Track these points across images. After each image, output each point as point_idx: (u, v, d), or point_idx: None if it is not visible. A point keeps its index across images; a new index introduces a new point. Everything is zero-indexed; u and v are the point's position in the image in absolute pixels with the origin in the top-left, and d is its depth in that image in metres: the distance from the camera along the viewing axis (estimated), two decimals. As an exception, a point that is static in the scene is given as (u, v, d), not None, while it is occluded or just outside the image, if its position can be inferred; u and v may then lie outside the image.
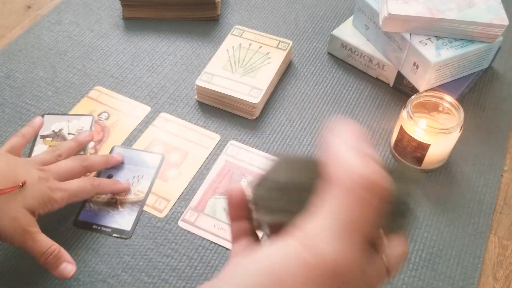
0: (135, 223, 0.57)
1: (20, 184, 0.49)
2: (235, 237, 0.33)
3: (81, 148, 0.60)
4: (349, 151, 0.25)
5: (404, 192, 0.25)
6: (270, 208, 0.30)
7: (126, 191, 0.59)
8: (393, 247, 0.28)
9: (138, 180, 0.60)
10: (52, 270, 0.48)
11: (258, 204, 0.31)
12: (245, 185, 0.33)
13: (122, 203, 0.58)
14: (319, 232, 0.24)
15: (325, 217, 0.24)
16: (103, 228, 0.56)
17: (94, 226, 0.56)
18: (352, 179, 0.24)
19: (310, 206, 0.25)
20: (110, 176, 0.61)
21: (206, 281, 0.30)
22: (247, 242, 0.32)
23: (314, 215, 0.24)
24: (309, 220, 0.24)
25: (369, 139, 0.25)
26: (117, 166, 0.62)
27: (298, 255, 0.24)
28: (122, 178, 0.61)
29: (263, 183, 0.31)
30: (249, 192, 0.32)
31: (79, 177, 0.55)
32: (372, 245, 0.27)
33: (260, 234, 0.33)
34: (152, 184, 0.60)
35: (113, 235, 0.56)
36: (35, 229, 0.49)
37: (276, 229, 0.32)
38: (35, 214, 0.50)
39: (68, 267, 0.49)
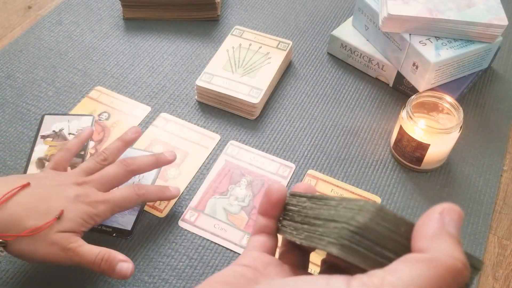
0: (136, 223, 0.57)
1: (57, 216, 0.46)
2: (257, 231, 0.33)
3: (129, 145, 0.57)
4: (447, 235, 0.25)
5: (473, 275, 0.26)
6: (305, 226, 0.30)
7: (175, 197, 0.56)
8: None
9: (139, 180, 0.61)
10: (110, 274, 0.46)
11: (294, 217, 0.31)
12: (285, 189, 0.33)
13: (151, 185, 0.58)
14: None
15: (404, 284, 0.24)
16: (103, 228, 0.56)
17: (94, 226, 0.56)
18: (445, 265, 0.24)
19: (390, 265, 0.25)
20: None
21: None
22: (266, 240, 0.33)
23: (394, 276, 0.24)
24: (387, 278, 0.24)
25: (458, 220, 0.26)
26: None
27: None
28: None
29: (307, 200, 0.31)
30: (291, 200, 0.33)
31: (124, 182, 0.53)
32: None
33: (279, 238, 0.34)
34: (153, 184, 0.60)
35: (114, 234, 0.56)
36: (76, 244, 0.46)
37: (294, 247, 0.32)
38: (76, 233, 0.47)
39: (124, 266, 0.47)
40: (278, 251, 0.34)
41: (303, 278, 0.26)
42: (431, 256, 0.24)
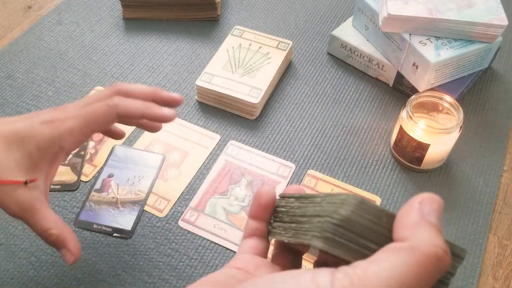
0: (136, 223, 0.57)
1: (25, 181, 0.42)
2: (248, 235, 0.34)
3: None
4: (427, 224, 0.26)
5: (452, 267, 0.27)
6: (293, 226, 0.30)
7: (166, 117, 0.47)
8: None
9: (139, 180, 0.61)
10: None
11: (283, 216, 0.32)
12: (276, 191, 0.33)
13: (123, 203, 0.58)
14: (376, 282, 0.24)
15: (387, 273, 0.24)
16: (103, 228, 0.56)
17: (94, 226, 0.56)
18: (425, 252, 0.25)
19: (373, 255, 0.25)
20: (110, 175, 0.61)
21: None
22: (257, 243, 0.33)
23: (377, 266, 0.24)
24: (370, 268, 0.24)
25: (440, 213, 0.26)
26: (118, 165, 0.62)
27: None
28: (123, 177, 0.61)
29: (296, 201, 0.31)
30: (280, 202, 0.33)
31: (105, 124, 0.46)
32: None
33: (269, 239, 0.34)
34: (153, 184, 0.60)
35: (114, 234, 0.56)
36: (38, 206, 0.43)
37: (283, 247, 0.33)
38: (38, 168, 0.43)
39: (66, 255, 0.44)
40: (270, 254, 0.34)
41: (289, 273, 0.26)
42: (412, 244, 0.25)
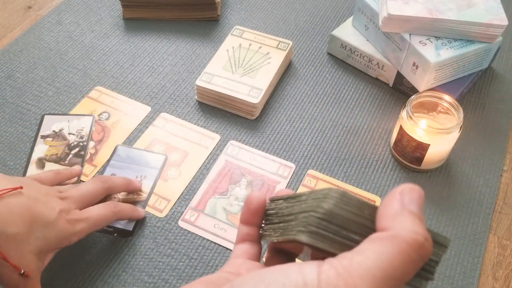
0: (137, 223, 0.57)
1: (21, 273, 0.43)
2: (240, 240, 0.34)
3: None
4: (408, 213, 0.27)
5: (436, 255, 0.28)
6: (282, 226, 0.31)
7: (141, 217, 0.57)
8: None
9: (141, 180, 0.61)
10: None
11: (273, 220, 0.33)
12: (265, 194, 0.34)
13: (125, 203, 0.58)
14: (361, 271, 0.25)
15: (371, 262, 0.25)
16: (105, 228, 0.56)
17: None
18: (406, 240, 0.26)
19: (357, 246, 0.26)
20: (113, 175, 0.61)
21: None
22: (249, 248, 0.33)
23: (361, 256, 0.25)
24: (355, 258, 0.25)
25: (420, 201, 0.28)
26: (121, 165, 0.62)
27: (332, 282, 0.25)
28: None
29: (283, 203, 0.32)
30: (270, 205, 0.34)
31: (99, 199, 0.53)
32: None
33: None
34: (155, 184, 0.60)
35: (115, 234, 0.56)
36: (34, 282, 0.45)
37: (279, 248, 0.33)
38: (47, 253, 0.46)
39: None
40: (264, 258, 0.34)
41: (277, 267, 0.26)
42: (393, 233, 0.25)
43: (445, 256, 0.55)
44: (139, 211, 0.57)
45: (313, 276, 0.24)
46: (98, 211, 0.51)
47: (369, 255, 0.25)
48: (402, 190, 0.27)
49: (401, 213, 0.26)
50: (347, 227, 0.27)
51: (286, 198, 0.32)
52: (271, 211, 0.33)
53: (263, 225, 0.34)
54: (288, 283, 0.25)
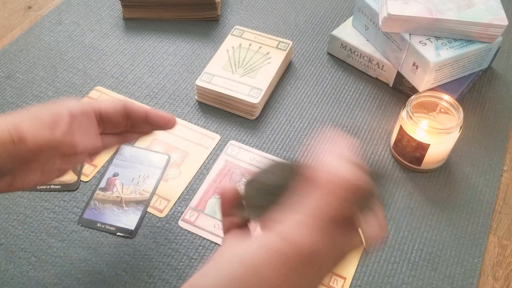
0: (139, 223, 0.57)
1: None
2: (226, 230, 0.38)
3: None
4: (335, 159, 0.31)
5: (377, 183, 0.33)
6: (257, 205, 0.36)
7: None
8: (369, 222, 0.33)
9: (144, 180, 0.61)
10: None
11: (248, 201, 0.37)
12: (239, 185, 0.39)
13: (127, 202, 0.58)
14: (296, 226, 0.29)
15: (303, 214, 0.29)
16: (107, 227, 0.56)
17: (98, 225, 0.56)
18: (334, 182, 0.30)
19: (291, 203, 0.31)
20: (115, 174, 0.61)
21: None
22: (237, 232, 0.37)
23: (294, 211, 0.30)
24: (288, 216, 0.30)
25: (356, 148, 0.32)
26: (124, 165, 0.62)
27: (276, 247, 0.29)
28: (128, 176, 0.61)
29: (253, 184, 0.37)
30: (242, 191, 0.38)
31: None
32: (351, 222, 0.32)
33: (251, 227, 0.39)
34: (157, 184, 0.60)
35: (117, 234, 0.56)
36: None
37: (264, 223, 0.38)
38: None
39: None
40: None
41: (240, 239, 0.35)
42: (319, 181, 0.30)
43: (445, 256, 0.55)
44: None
45: (260, 240, 0.30)
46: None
47: (303, 212, 0.30)
48: (329, 141, 0.33)
49: (330, 163, 0.31)
50: (274, 190, 0.34)
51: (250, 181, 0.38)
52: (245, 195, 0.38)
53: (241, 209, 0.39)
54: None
